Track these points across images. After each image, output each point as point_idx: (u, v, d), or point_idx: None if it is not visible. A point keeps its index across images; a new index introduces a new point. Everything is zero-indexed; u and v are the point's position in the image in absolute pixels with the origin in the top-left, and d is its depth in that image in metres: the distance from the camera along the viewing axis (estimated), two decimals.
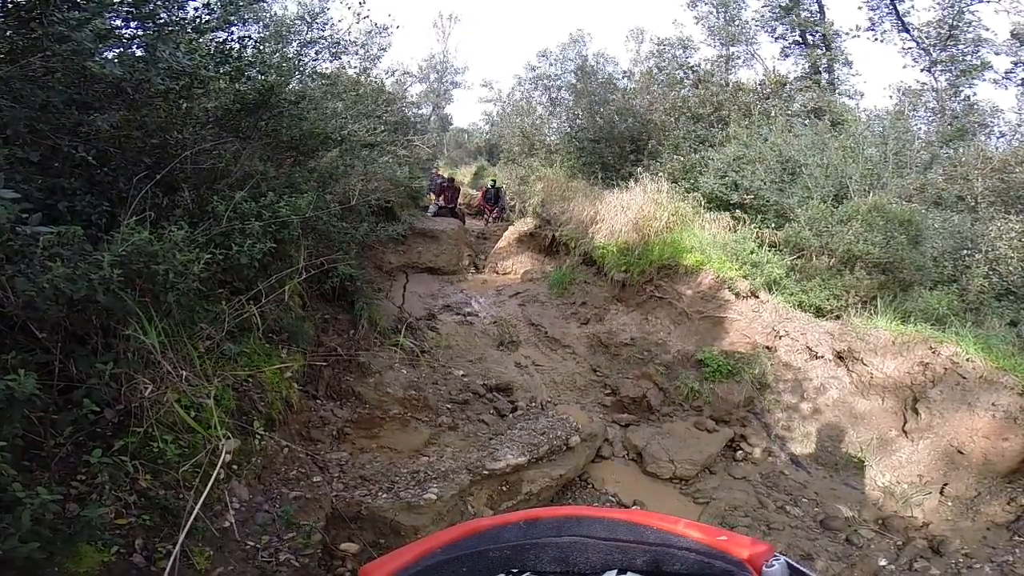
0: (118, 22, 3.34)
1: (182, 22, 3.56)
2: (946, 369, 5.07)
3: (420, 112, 23.85)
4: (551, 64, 19.29)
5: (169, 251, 2.57)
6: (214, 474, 2.44)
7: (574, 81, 14.75)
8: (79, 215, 2.84)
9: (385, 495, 3.78)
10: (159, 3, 3.48)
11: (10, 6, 2.77)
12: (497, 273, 10.27)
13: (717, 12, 17.02)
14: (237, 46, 3.95)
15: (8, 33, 2.66)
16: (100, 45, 3.07)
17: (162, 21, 3.39)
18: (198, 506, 2.25)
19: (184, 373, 2.75)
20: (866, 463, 5.16)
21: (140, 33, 3.34)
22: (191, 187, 3.55)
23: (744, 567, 1.17)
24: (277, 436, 3.75)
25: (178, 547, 2.12)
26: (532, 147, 14.60)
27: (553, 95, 17.05)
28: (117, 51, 3.30)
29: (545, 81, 17.84)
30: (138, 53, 3.33)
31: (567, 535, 1.38)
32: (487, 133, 25.86)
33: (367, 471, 4.07)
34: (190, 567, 2.64)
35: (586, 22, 48.70)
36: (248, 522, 3.16)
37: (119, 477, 2.53)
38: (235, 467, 3.32)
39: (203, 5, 3.82)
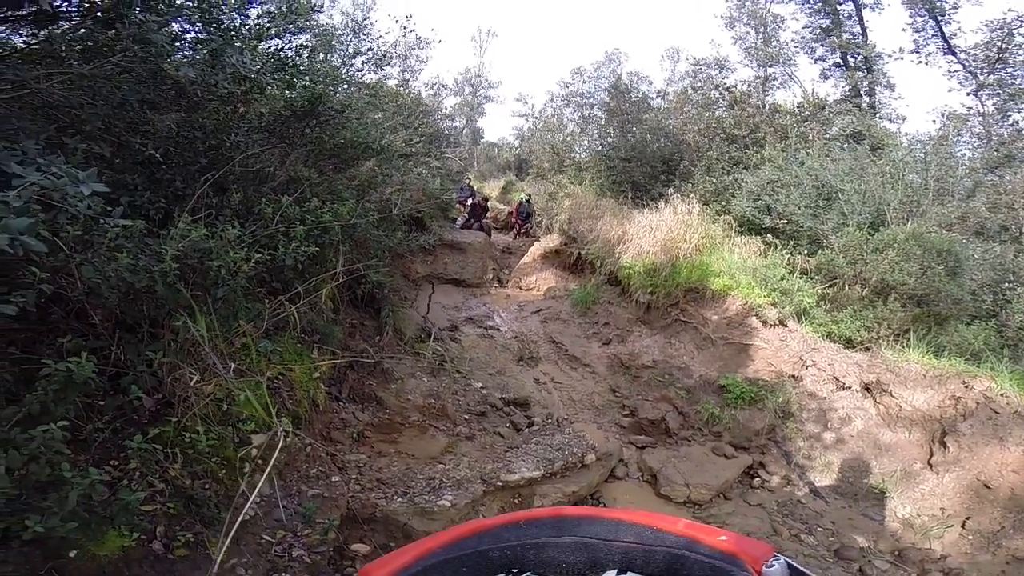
0: (186, 25, 3.49)
1: (246, 28, 3.71)
2: (978, 403, 4.95)
3: (454, 124, 24.36)
4: (585, 82, 19.49)
5: (222, 249, 2.71)
6: (269, 464, 2.54)
7: (607, 99, 14.86)
8: (138, 210, 3.00)
9: (400, 499, 3.86)
10: (224, 9, 3.61)
11: (87, 5, 2.92)
12: (520, 288, 10.34)
13: (755, 33, 16.92)
14: (292, 54, 4.08)
15: (92, 31, 2.83)
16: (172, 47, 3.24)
17: (225, 26, 3.51)
18: (249, 501, 2.33)
19: (232, 365, 2.87)
20: (887, 494, 5.03)
21: (203, 37, 3.46)
22: (239, 188, 3.73)
23: (744, 566, 1.19)
24: (302, 434, 3.88)
25: (222, 549, 2.21)
26: (562, 164, 14.73)
27: (585, 112, 17.20)
28: (187, 54, 3.45)
29: (578, 98, 18.02)
30: (200, 57, 3.47)
31: (567, 535, 1.41)
32: (517, 148, 26.12)
33: (384, 474, 4.16)
34: (206, 557, 2.70)
35: (621, 41, 48.98)
36: (266, 516, 3.24)
37: (151, 464, 2.63)
38: (260, 461, 3.44)
39: (264, 13, 4.03)
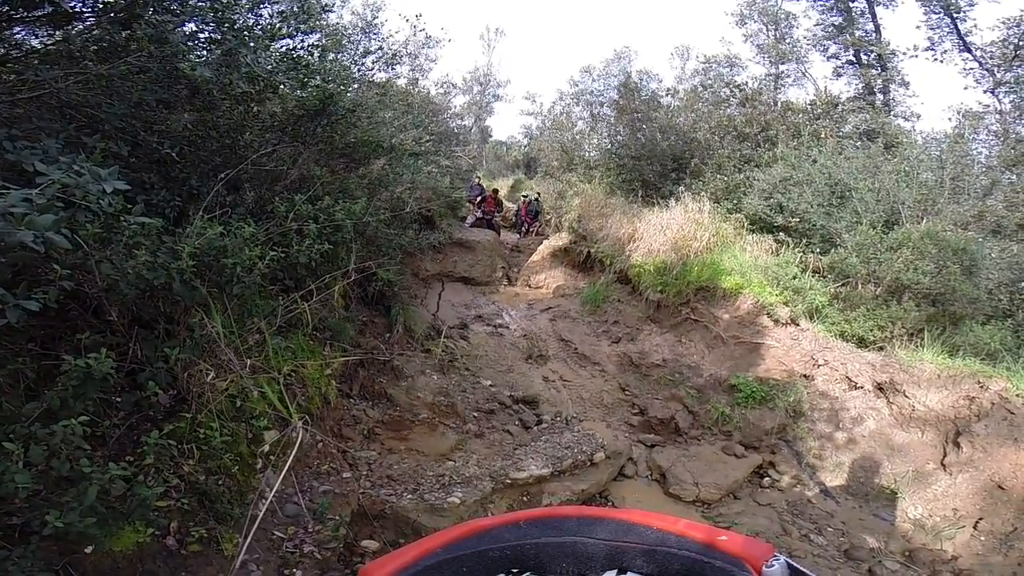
0: (200, 25, 3.47)
1: (258, 28, 3.72)
2: (993, 404, 4.90)
3: (463, 123, 24.35)
4: (594, 80, 19.46)
5: (238, 246, 2.73)
6: (288, 461, 2.56)
7: (617, 97, 14.77)
8: (154, 208, 3.03)
9: (410, 496, 3.88)
10: (237, 9, 3.60)
11: (102, 5, 2.93)
12: (529, 287, 10.33)
13: (767, 30, 16.76)
14: (304, 54, 4.09)
15: (107, 31, 2.84)
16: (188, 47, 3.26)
17: (238, 26, 3.52)
18: (272, 491, 2.34)
19: (248, 362, 2.89)
20: (899, 495, 4.98)
21: (217, 37, 3.47)
22: (252, 187, 3.76)
23: (744, 566, 1.18)
24: (314, 430, 3.90)
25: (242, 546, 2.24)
26: (571, 162, 14.67)
27: (595, 111, 17.16)
28: (202, 54, 3.46)
29: (587, 97, 18.00)
30: (214, 57, 3.46)
31: (567, 535, 1.40)
32: (525, 147, 26.11)
33: (394, 471, 4.18)
34: (219, 552, 2.73)
35: (631, 38, 48.58)
36: (277, 512, 3.27)
37: (165, 460, 2.65)
38: (271, 457, 3.47)
39: (277, 13, 4.04)
